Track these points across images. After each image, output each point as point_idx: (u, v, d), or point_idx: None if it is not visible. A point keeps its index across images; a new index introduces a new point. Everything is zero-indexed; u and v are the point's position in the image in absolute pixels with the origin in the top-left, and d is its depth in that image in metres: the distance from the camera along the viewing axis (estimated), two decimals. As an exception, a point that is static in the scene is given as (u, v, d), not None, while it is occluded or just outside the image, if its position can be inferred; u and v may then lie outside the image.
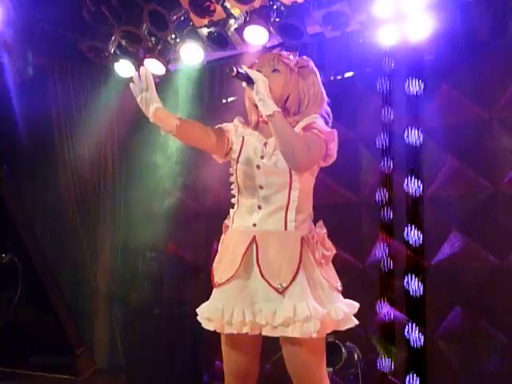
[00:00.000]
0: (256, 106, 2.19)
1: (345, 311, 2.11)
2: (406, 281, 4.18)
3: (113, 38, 4.66)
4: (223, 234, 2.26)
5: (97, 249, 5.38)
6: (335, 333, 2.20)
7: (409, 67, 4.30)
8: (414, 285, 4.16)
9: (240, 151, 2.22)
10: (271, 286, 2.05)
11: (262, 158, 2.17)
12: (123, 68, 4.85)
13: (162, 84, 5.12)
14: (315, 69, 2.31)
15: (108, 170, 5.42)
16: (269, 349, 2.21)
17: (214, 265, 2.22)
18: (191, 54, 4.59)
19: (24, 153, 5.39)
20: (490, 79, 4.10)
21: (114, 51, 4.76)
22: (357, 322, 2.17)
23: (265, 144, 2.19)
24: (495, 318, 3.99)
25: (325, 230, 2.21)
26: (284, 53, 2.28)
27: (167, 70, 4.83)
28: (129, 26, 4.51)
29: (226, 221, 2.26)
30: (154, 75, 5.03)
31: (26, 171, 5.38)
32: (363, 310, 4.34)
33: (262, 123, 2.25)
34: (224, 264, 2.16)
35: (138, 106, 2.13)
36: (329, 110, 2.31)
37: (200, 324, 2.25)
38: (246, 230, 2.15)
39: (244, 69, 2.13)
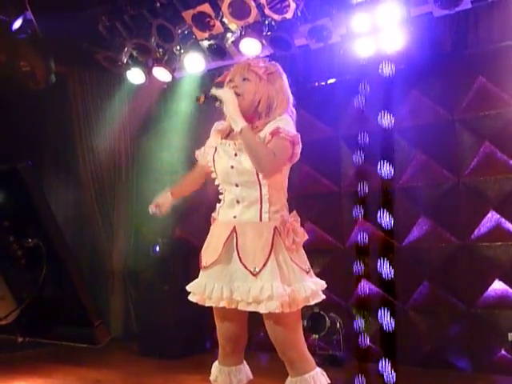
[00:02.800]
0: None
1: (312, 288, 2.11)
2: (379, 259, 4.19)
3: (125, 49, 4.63)
4: (212, 225, 2.29)
5: (112, 233, 5.37)
6: (320, 305, 2.20)
7: (383, 75, 4.28)
8: (386, 263, 4.16)
9: (214, 159, 2.23)
10: (247, 269, 2.08)
11: (235, 157, 2.17)
12: (134, 75, 4.82)
13: (169, 90, 5.10)
14: (282, 73, 2.27)
15: (122, 165, 5.40)
16: (261, 318, 2.20)
17: (202, 251, 2.25)
18: (194, 63, 4.58)
19: (48, 149, 5.35)
20: (453, 86, 4.09)
21: (127, 61, 4.73)
22: (323, 296, 2.16)
23: (235, 147, 2.18)
24: (457, 290, 4.00)
25: (298, 219, 2.20)
26: (254, 61, 2.23)
27: (173, 78, 4.81)
28: (139, 39, 4.49)
29: (213, 214, 2.28)
30: (161, 82, 5.06)
31: (50, 165, 5.34)
32: (344, 284, 4.38)
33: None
34: (209, 250, 2.20)
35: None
36: (294, 110, 2.27)
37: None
38: (227, 221, 2.18)
39: (213, 92, 2.11)
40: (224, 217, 2.20)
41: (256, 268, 2.06)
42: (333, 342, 4.21)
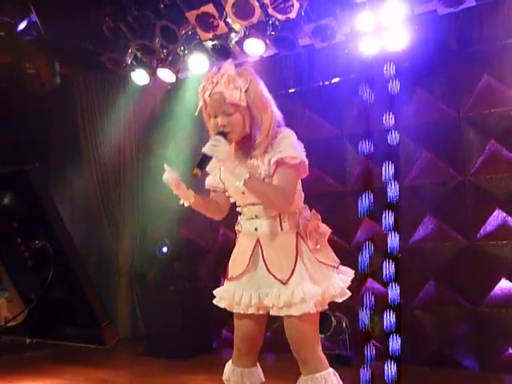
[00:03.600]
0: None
1: (341, 286, 2.14)
2: (385, 258, 4.18)
3: (129, 50, 4.63)
4: (237, 237, 2.30)
5: (119, 234, 5.39)
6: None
7: (388, 74, 4.27)
8: (392, 262, 4.15)
9: (222, 180, 2.23)
10: (276, 278, 2.11)
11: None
12: (139, 76, 4.82)
13: (173, 90, 5.11)
14: (254, 79, 2.13)
15: (127, 165, 5.41)
16: (268, 319, 2.23)
17: (230, 263, 2.27)
18: (198, 64, 4.57)
19: (54, 150, 5.37)
20: (458, 84, 4.08)
21: (131, 62, 4.73)
22: (349, 293, 2.18)
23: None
24: (463, 289, 3.99)
25: (318, 217, 2.23)
26: (225, 82, 2.05)
27: (177, 78, 4.81)
28: (143, 40, 4.48)
29: (237, 226, 2.29)
30: (165, 82, 5.06)
31: (56, 167, 5.36)
32: (351, 284, 4.37)
33: (236, 151, 2.18)
34: (236, 263, 2.23)
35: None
36: (277, 111, 2.20)
37: (210, 298, 2.32)
38: (250, 234, 2.20)
39: (203, 151, 2.04)
40: (246, 229, 2.22)
41: (285, 277, 2.09)
42: (339, 341, 4.20)
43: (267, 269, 2.12)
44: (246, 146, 2.16)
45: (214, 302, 2.26)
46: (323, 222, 2.25)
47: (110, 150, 5.25)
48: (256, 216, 2.16)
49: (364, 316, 4.24)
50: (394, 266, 4.14)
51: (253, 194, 2.09)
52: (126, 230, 5.40)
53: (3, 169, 1.38)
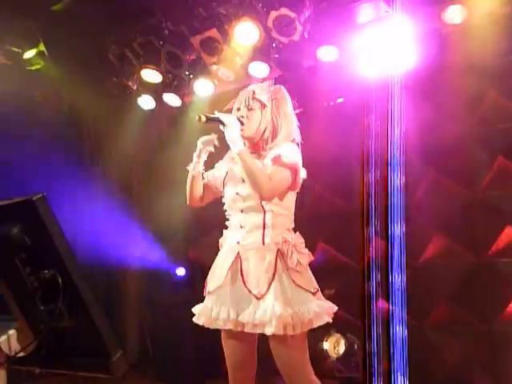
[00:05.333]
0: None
1: (315, 310, 2.11)
2: (395, 277, 4.14)
3: (135, 76, 4.70)
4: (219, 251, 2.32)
5: (127, 259, 5.36)
6: (336, 326, 2.21)
7: (391, 93, 4.28)
8: (402, 281, 4.11)
9: (224, 183, 2.28)
10: (251, 293, 2.12)
11: (243, 184, 2.20)
12: (145, 101, 4.90)
13: (178, 115, 5.15)
14: (287, 97, 2.31)
15: (133, 191, 5.43)
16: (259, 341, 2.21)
17: (208, 277, 2.29)
18: (203, 88, 4.64)
19: (61, 176, 5.39)
20: (463, 100, 4.08)
21: (137, 87, 4.80)
22: (329, 319, 2.15)
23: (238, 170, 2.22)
24: (476, 308, 3.94)
25: (301, 240, 2.23)
26: (259, 87, 2.27)
27: (183, 102, 4.88)
28: (149, 66, 4.55)
29: (220, 240, 2.32)
30: (171, 107, 5.11)
31: (64, 193, 5.37)
32: (361, 304, 4.33)
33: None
34: (215, 276, 2.24)
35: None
36: (298, 133, 2.31)
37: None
38: (231, 247, 2.22)
39: (216, 114, 2.16)
40: (228, 242, 2.24)
41: (260, 292, 2.09)
42: (351, 364, 4.15)
43: (244, 283, 2.13)
44: (254, 152, 2.22)
45: (194, 319, 2.26)
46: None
47: (116, 176, 5.27)
48: (241, 226, 2.19)
49: (374, 337, 4.18)
50: (403, 285, 4.10)
51: (243, 170, 2.11)
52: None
53: (10, 199, 1.39)
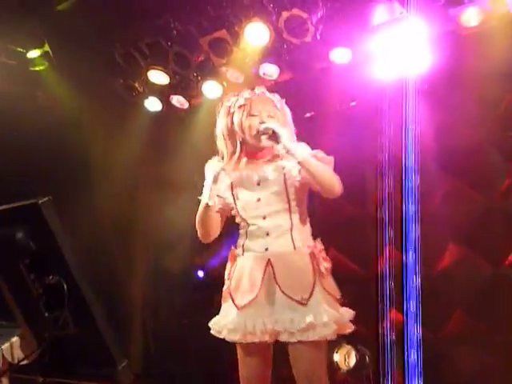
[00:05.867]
0: (241, 144, 2.22)
1: (347, 317, 2.15)
2: (409, 288, 4.12)
3: (142, 77, 4.70)
4: (229, 262, 2.26)
5: (131, 267, 5.37)
6: (347, 337, 2.21)
7: (406, 96, 4.27)
8: (416, 291, 4.09)
9: (233, 194, 2.22)
10: (294, 299, 2.07)
11: (260, 188, 2.17)
12: (152, 103, 4.90)
13: (186, 117, 5.16)
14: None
15: (139, 196, 5.43)
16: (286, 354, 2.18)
17: (232, 290, 2.21)
18: (212, 90, 4.63)
19: (65, 182, 5.41)
20: (480, 104, 4.06)
21: (144, 89, 4.80)
22: (353, 327, 2.17)
23: (258, 177, 2.19)
24: (493, 320, 3.91)
25: (323, 246, 2.22)
26: (271, 96, 2.29)
27: (190, 105, 4.87)
28: (156, 67, 4.56)
29: (235, 250, 2.26)
30: (179, 109, 5.12)
31: (68, 199, 5.39)
32: (373, 315, 4.31)
33: (248, 157, 2.25)
34: (243, 288, 2.17)
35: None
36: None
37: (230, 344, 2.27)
38: (259, 255, 2.16)
39: (268, 125, 2.13)
40: (253, 250, 2.18)
41: (304, 296, 2.06)
42: (362, 377, 4.12)
43: (282, 291, 2.09)
44: (258, 158, 2.21)
45: (229, 336, 2.18)
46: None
47: (122, 179, 5.27)
48: (267, 233, 2.14)
49: (386, 350, 4.16)
50: (418, 296, 4.07)
51: (311, 171, 2.07)
52: (139, 263, 5.39)
53: (15, 203, 1.40)
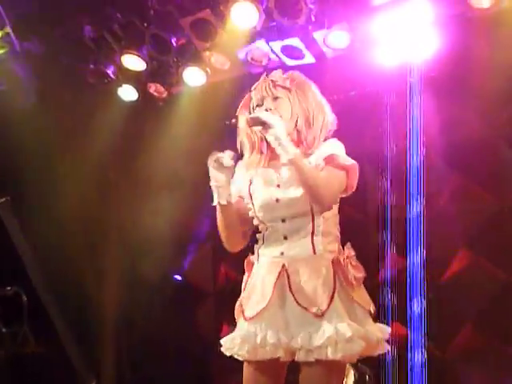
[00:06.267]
0: (261, 139, 2.18)
1: (377, 336, 2.08)
2: (413, 298, 4.13)
3: (115, 63, 4.67)
4: (246, 272, 2.23)
5: (103, 275, 5.33)
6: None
7: (410, 85, 4.28)
8: (421, 302, 4.10)
9: (249, 194, 2.19)
10: (309, 311, 2.03)
11: (279, 188, 2.14)
12: (126, 92, 4.86)
13: (165, 107, 5.13)
14: (307, 80, 2.28)
15: (111, 194, 5.40)
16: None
17: (244, 300, 2.17)
18: (194, 77, 4.62)
19: (27, 181, 5.35)
20: (492, 96, 4.06)
21: (117, 76, 4.77)
22: (388, 347, 2.12)
23: (278, 176, 2.16)
24: (507, 333, 3.92)
25: (353, 252, 2.18)
26: (274, 75, 2.23)
27: (170, 94, 4.85)
28: (131, 51, 4.53)
29: (251, 257, 2.23)
30: (156, 98, 5.09)
31: (30, 199, 5.33)
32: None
33: (269, 154, 2.21)
34: (255, 298, 2.13)
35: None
36: (332, 114, 2.28)
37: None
38: (273, 260, 2.13)
39: (257, 114, 2.09)
40: (268, 256, 2.15)
41: (320, 308, 2.01)
42: (362, 397, 4.11)
43: (296, 301, 2.05)
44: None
45: (235, 349, 2.11)
46: None
47: (91, 176, 5.22)
48: (285, 237, 2.12)
49: (388, 368, 4.16)
50: (423, 307, 4.08)
51: (299, 176, 2.04)
52: (112, 270, 5.35)
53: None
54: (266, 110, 2.14)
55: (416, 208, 4.22)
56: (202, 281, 5.06)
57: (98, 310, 5.31)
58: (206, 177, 2.30)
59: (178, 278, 4.87)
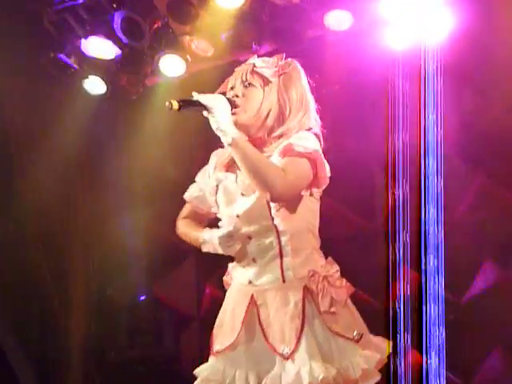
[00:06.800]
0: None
1: (363, 367, 2.10)
2: (430, 321, 4.10)
3: (80, 50, 4.64)
4: (226, 293, 2.31)
5: (68, 296, 5.31)
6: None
7: (423, 72, 4.27)
8: (440, 325, 4.08)
9: (217, 202, 2.24)
10: (276, 351, 2.09)
11: (243, 196, 2.15)
12: (93, 84, 4.85)
13: (139, 101, 5.11)
14: (301, 72, 2.31)
15: (78, 203, 5.37)
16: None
17: (215, 330, 2.25)
18: (172, 66, 4.62)
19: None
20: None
21: (82, 66, 4.75)
22: (378, 377, 2.18)
23: (236, 179, 2.17)
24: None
25: (336, 268, 2.21)
26: (262, 60, 2.26)
27: (144, 85, 4.86)
28: (98, 37, 4.51)
29: (225, 277, 2.30)
30: (128, 91, 5.07)
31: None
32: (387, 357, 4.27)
33: None
34: (225, 329, 2.21)
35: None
36: (317, 119, 2.30)
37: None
38: (242, 288, 2.20)
39: (196, 96, 2.09)
40: (238, 282, 2.22)
41: (286, 349, 2.06)
42: None
43: (265, 337, 2.12)
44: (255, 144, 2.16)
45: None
46: (346, 274, 2.24)
47: (52, 185, 5.18)
48: (253, 259, 2.16)
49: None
50: (442, 332, 4.06)
51: (240, 163, 2.04)
52: (79, 291, 5.32)
53: None
54: (237, 96, 2.18)
55: (433, 215, 4.20)
56: (184, 303, 5.05)
57: (64, 337, 5.29)
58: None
59: (143, 297, 4.88)
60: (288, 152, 2.10)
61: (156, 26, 4.51)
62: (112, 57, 4.66)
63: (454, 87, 4.20)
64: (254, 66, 2.22)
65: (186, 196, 2.38)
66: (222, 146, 2.17)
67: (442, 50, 4.09)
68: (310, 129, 2.22)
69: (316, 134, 2.22)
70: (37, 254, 5.27)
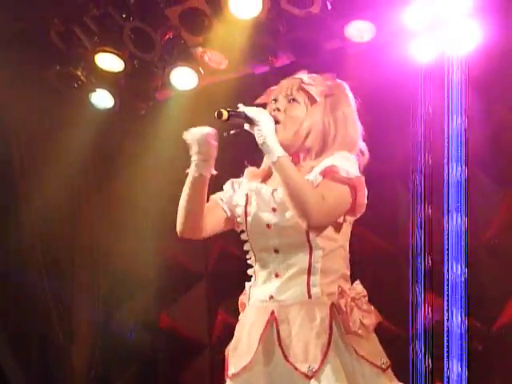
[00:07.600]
0: None
1: None
2: (458, 352, 4.06)
3: (87, 62, 4.68)
4: (240, 313, 2.29)
5: (72, 323, 5.30)
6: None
7: (449, 85, 4.27)
8: (465, 360, 4.03)
9: (245, 213, 2.23)
10: (298, 370, 2.05)
11: (274, 212, 2.16)
12: (100, 98, 4.89)
13: (148, 116, 5.13)
14: (350, 96, 2.32)
15: (84, 224, 5.38)
16: None
17: (230, 352, 2.24)
18: (183, 79, 4.64)
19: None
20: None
21: (89, 79, 4.78)
22: None
23: (273, 196, 2.17)
24: None
25: (364, 293, 2.19)
26: (309, 76, 2.28)
27: (154, 99, 4.88)
28: (106, 48, 4.55)
29: (242, 297, 2.30)
30: (137, 106, 5.10)
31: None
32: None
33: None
34: (240, 350, 2.19)
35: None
36: (365, 149, 2.32)
37: None
38: (261, 305, 2.18)
39: (242, 108, 2.12)
40: (257, 299, 2.20)
41: (311, 367, 2.02)
42: None
43: (285, 356, 2.09)
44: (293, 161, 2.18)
45: None
46: (369, 300, 2.21)
47: (57, 201, 5.20)
48: (276, 275, 2.16)
49: None
50: (468, 365, 4.00)
51: (283, 183, 2.05)
52: (84, 317, 5.33)
53: None
54: (278, 110, 2.19)
55: (459, 238, 4.18)
56: (194, 331, 5.04)
57: (67, 367, 5.28)
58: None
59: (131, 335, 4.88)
60: (330, 174, 2.09)
61: (167, 37, 4.53)
62: (121, 69, 4.70)
63: (480, 101, 4.21)
64: (302, 81, 2.23)
65: (215, 196, 2.34)
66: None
67: (469, 63, 4.10)
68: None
69: (357, 156, 2.24)
70: (40, 280, 5.28)
